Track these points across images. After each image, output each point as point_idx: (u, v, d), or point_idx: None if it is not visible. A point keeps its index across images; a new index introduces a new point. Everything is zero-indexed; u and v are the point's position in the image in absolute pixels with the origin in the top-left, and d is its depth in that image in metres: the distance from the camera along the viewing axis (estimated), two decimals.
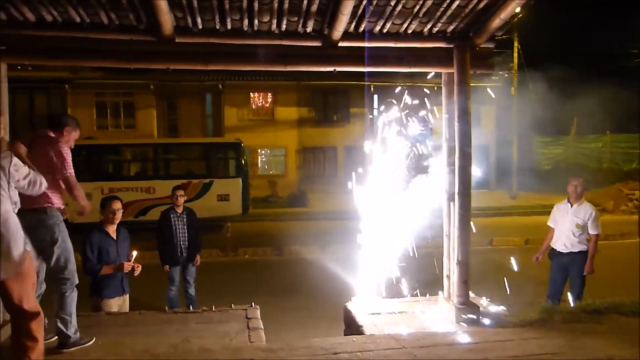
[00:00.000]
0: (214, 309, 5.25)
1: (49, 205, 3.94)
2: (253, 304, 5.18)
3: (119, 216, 5.17)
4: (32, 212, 3.84)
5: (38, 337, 3.35)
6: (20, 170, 3.39)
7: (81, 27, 4.47)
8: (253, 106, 24.90)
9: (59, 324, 3.97)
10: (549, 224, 6.44)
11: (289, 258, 12.06)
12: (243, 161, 17.38)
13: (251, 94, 24.75)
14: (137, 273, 5.15)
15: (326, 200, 20.76)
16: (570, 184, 6.20)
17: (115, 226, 5.21)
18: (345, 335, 5.11)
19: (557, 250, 6.20)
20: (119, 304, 5.17)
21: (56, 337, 4.05)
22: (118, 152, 17.68)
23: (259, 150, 24.90)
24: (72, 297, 4.04)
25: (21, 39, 4.45)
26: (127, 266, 5.05)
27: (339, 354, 3.91)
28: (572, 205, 6.18)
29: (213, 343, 4.19)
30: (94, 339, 4.17)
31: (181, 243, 6.72)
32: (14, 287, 3.22)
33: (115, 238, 5.14)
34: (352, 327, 5.00)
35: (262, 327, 4.62)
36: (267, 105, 25.08)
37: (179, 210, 6.82)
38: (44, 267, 4.03)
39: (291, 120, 24.62)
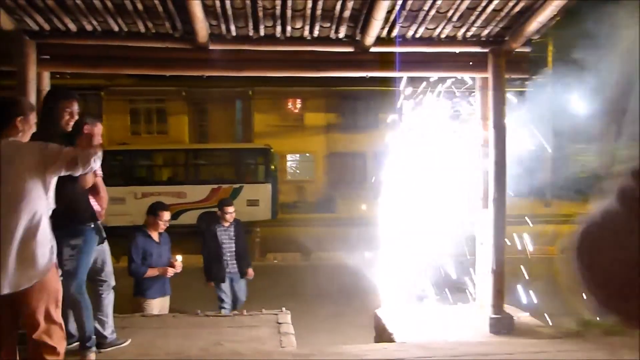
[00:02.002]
0: (244, 313, 5.29)
1: None
2: (284, 308, 5.19)
3: (166, 225, 5.42)
4: None
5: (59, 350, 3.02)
6: (62, 161, 2.97)
7: (119, 35, 4.58)
8: (283, 112, 25.00)
9: (96, 325, 4.05)
10: None
11: (318, 264, 12.03)
12: (272, 167, 17.48)
13: (284, 100, 24.84)
14: (178, 270, 5.39)
15: (354, 206, 20.67)
16: None
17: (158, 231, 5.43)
18: (375, 342, 5.07)
19: None
20: (161, 304, 5.31)
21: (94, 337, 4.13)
22: (151, 157, 17.99)
23: (288, 156, 24.97)
24: (109, 299, 4.12)
25: (63, 48, 4.59)
26: (170, 272, 5.20)
27: None
28: None
29: (244, 347, 4.21)
30: (129, 340, 4.24)
31: (228, 258, 6.21)
32: (33, 297, 2.89)
33: (158, 241, 5.31)
34: (382, 335, 4.97)
35: (293, 332, 4.62)
36: (296, 111, 25.17)
37: (226, 223, 6.34)
38: None
39: (320, 126, 24.64)
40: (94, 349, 3.84)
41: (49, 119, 3.61)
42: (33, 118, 3.13)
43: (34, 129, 3.16)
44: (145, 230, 5.33)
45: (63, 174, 3.03)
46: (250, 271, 6.39)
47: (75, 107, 3.68)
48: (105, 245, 4.14)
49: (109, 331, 4.10)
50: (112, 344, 4.12)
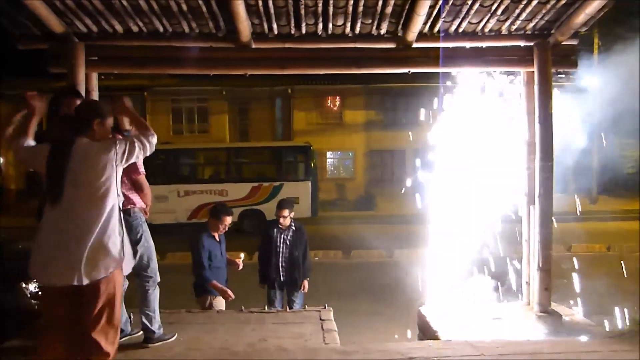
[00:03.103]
0: (288, 310, 5.34)
1: (132, 206, 4.12)
2: (326, 305, 5.20)
3: (226, 229, 5.48)
4: None
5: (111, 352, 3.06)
6: (128, 150, 3.09)
7: (164, 36, 4.69)
8: (323, 110, 25.02)
9: (144, 320, 4.16)
10: None
11: (358, 261, 12.03)
12: (312, 164, 17.54)
13: (323, 98, 24.87)
14: (240, 267, 5.60)
15: (394, 203, 20.53)
16: None
17: None
18: (419, 340, 5.03)
19: None
20: (231, 293, 5.37)
21: (142, 332, 4.25)
22: (193, 156, 18.32)
23: (327, 154, 25.00)
24: (155, 294, 4.22)
25: (110, 49, 4.73)
26: (230, 295, 5.27)
27: (415, 358, 3.85)
28: None
29: (289, 343, 4.24)
30: (176, 335, 4.33)
31: (281, 263, 5.87)
32: (100, 291, 2.94)
33: (218, 241, 5.43)
34: (426, 332, 4.92)
35: (336, 329, 4.63)
36: (336, 108, 25.17)
37: (282, 227, 5.93)
38: None
39: (359, 124, 24.57)
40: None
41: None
42: (110, 122, 3.27)
43: (109, 133, 3.28)
44: (208, 231, 5.38)
45: (133, 160, 3.18)
46: (305, 284, 5.99)
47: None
48: (151, 242, 4.23)
49: (156, 326, 4.19)
50: (160, 338, 4.21)
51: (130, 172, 4.05)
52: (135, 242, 4.09)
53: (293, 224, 5.96)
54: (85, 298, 2.97)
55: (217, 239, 5.40)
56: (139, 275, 4.18)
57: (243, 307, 5.18)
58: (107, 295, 3.00)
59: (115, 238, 3.02)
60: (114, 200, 3.05)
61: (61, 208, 2.92)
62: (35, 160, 3.07)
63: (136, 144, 3.13)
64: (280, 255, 5.86)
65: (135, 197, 4.15)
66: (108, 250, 2.97)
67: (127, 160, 3.10)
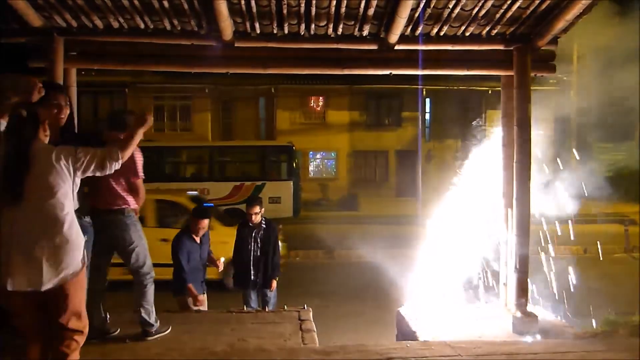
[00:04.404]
0: (267, 310, 5.33)
1: (126, 206, 4.11)
2: (305, 306, 5.21)
3: (204, 231, 5.39)
4: (109, 212, 4.05)
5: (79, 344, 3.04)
6: (87, 162, 2.99)
7: (145, 32, 4.65)
8: (306, 110, 25.02)
9: (143, 314, 4.18)
10: None
11: (340, 261, 12.05)
12: (294, 164, 17.54)
13: (307, 98, 24.87)
14: (220, 269, 5.66)
15: (377, 204, 20.66)
16: None
17: None
18: (397, 340, 5.06)
19: None
20: (202, 299, 5.32)
21: (118, 330, 4.28)
22: (174, 154, 18.20)
23: (310, 154, 25.01)
24: (152, 289, 4.25)
25: (90, 45, 4.68)
26: (202, 302, 5.27)
27: (394, 359, 3.88)
28: None
29: (268, 343, 4.24)
30: (170, 327, 4.38)
31: (253, 262, 5.70)
32: (69, 294, 2.90)
33: (198, 243, 5.36)
34: (404, 333, 4.96)
35: (315, 330, 4.64)
36: (319, 108, 25.17)
37: (255, 224, 5.77)
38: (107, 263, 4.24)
39: (343, 124, 24.60)
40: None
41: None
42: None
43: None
44: (189, 233, 5.31)
45: (90, 174, 3.04)
46: (273, 283, 5.75)
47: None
48: (144, 241, 4.24)
49: (153, 319, 4.25)
50: (158, 331, 4.27)
51: (129, 174, 4.05)
52: (129, 243, 4.11)
53: (263, 222, 5.81)
54: (53, 303, 2.91)
55: (198, 241, 5.34)
56: (135, 273, 4.21)
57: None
58: (76, 298, 2.95)
59: (78, 243, 2.96)
60: (72, 204, 2.97)
61: (22, 209, 2.82)
62: None
63: (96, 160, 3.00)
64: (252, 254, 5.70)
65: (129, 198, 4.16)
66: (71, 254, 2.90)
67: (83, 172, 2.99)
